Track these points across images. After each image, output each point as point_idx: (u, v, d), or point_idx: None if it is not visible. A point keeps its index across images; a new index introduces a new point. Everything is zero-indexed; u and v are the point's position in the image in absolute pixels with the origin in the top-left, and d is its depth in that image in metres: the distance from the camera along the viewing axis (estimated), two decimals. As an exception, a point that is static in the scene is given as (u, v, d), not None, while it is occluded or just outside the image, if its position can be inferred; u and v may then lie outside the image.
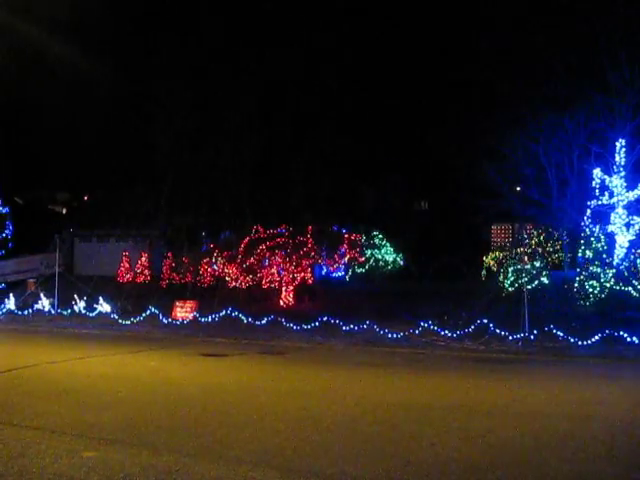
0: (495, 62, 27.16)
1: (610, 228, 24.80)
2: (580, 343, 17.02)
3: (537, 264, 25.83)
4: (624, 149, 25.04)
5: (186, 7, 34.13)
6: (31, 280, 30.38)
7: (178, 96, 33.70)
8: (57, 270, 26.88)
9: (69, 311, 24.89)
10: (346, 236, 32.92)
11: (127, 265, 35.84)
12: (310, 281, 29.67)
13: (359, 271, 35.08)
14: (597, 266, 22.88)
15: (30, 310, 25.34)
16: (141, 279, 34.85)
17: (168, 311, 23.66)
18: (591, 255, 23.13)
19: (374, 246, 37.12)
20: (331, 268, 32.08)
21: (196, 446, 7.56)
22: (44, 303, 25.54)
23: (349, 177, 40.84)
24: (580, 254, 23.67)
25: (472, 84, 33.36)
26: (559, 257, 28.84)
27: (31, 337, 20.12)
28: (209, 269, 30.86)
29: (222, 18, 34.06)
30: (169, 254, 33.55)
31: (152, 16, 37.22)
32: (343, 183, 39.64)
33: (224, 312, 22.75)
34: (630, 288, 22.46)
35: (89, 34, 34.84)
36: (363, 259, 34.79)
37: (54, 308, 25.22)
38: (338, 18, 44.87)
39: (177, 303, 23.90)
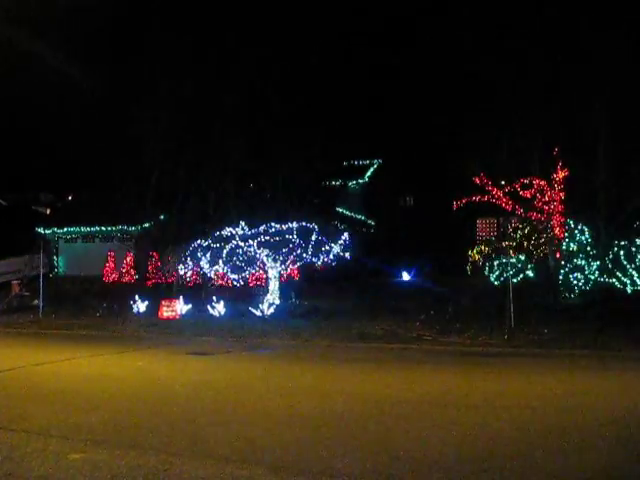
0: (475, 54, 27.26)
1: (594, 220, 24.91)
2: (566, 335, 17.10)
3: (522, 257, 25.92)
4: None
5: (172, 6, 33.99)
6: (15, 282, 30.20)
7: (163, 95, 33.57)
8: (41, 271, 26.73)
9: (54, 312, 24.78)
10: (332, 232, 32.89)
11: (112, 265, 35.72)
12: (296, 278, 29.68)
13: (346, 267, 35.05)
14: (581, 258, 23.02)
15: (15, 312, 25.21)
16: (127, 279, 34.72)
17: (154, 311, 23.60)
18: (575, 248, 23.27)
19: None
20: (318, 265, 32.07)
21: (183, 445, 7.53)
22: (29, 304, 25.43)
23: (333, 172, 40.88)
24: (565, 247, 23.79)
25: (457, 79, 33.45)
26: (544, 250, 28.91)
27: (16, 339, 20.01)
28: (195, 268, 30.77)
29: (209, 15, 33.94)
30: (154, 253, 33.45)
31: (137, 15, 36.98)
32: (327, 178, 39.67)
33: (211, 310, 22.72)
34: (614, 280, 22.61)
35: (72, 33, 34.57)
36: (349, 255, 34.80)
37: (39, 309, 25.08)
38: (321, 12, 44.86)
39: (163, 302, 23.86)
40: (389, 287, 28.57)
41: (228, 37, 33.15)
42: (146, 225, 37.34)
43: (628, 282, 22.38)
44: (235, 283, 29.31)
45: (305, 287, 28.30)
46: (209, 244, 26.77)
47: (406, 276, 34.60)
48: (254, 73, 33.66)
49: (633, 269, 22.40)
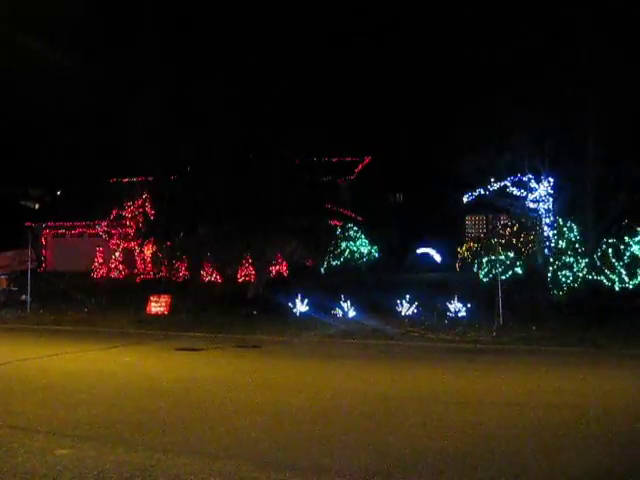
0: (467, 53, 27.32)
1: (583, 217, 24.97)
2: (554, 332, 17.16)
3: (511, 254, 25.99)
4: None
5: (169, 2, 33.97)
6: (3, 277, 30.01)
7: (152, 87, 33.41)
8: (30, 266, 26.58)
9: (42, 307, 24.66)
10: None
11: (101, 260, 35.57)
12: (285, 274, 29.64)
13: (334, 263, 35.04)
14: (570, 256, 23.09)
15: (2, 307, 25.07)
16: (115, 274, 34.60)
17: (143, 306, 23.53)
18: (564, 245, 23.33)
19: (349, 238, 37.09)
20: (306, 261, 32.04)
21: (171, 441, 7.51)
22: (17, 300, 25.29)
23: (322, 167, 40.75)
24: (553, 244, 23.85)
25: (445, 76, 33.48)
26: (533, 247, 28.99)
27: (4, 334, 19.90)
28: (184, 264, 30.65)
29: (203, 12, 33.89)
30: (143, 249, 33.31)
31: (129, 8, 36.89)
32: (317, 173, 39.54)
33: (199, 306, 22.68)
34: (602, 277, 22.70)
35: (63, 25, 34.37)
36: (338, 251, 34.77)
37: (27, 305, 24.95)
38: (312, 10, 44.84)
39: (152, 298, 23.77)
40: (378, 283, 28.53)
41: (225, 35, 33.10)
42: (135, 221, 37.19)
43: (616, 279, 22.47)
44: (223, 279, 29.27)
45: (294, 283, 28.23)
46: (198, 239, 26.73)
47: (396, 272, 34.59)
48: (249, 70, 33.55)
49: (621, 266, 22.48)
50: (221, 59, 32.49)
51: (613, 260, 22.62)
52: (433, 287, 24.52)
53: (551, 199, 25.41)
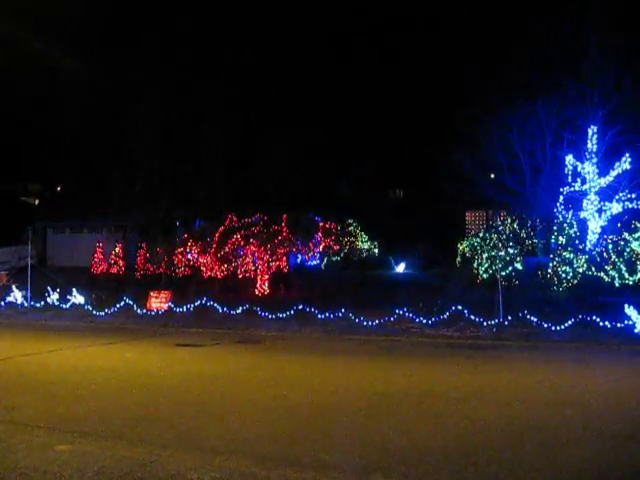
0: (466, 50, 27.33)
1: (582, 214, 24.98)
2: (554, 328, 17.17)
3: (511, 250, 25.96)
4: (596, 136, 25.19)
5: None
6: (3, 272, 30.02)
7: (152, 86, 33.39)
8: (30, 262, 26.58)
9: (42, 303, 24.66)
10: (321, 224, 33.00)
11: (101, 256, 35.52)
12: (285, 270, 29.62)
13: (334, 259, 35.02)
14: (570, 252, 23.06)
15: (2, 303, 25.08)
16: (115, 270, 34.57)
17: (143, 302, 23.53)
18: (564, 241, 23.31)
19: (349, 234, 37.05)
20: (306, 257, 32.07)
21: (171, 437, 7.51)
22: (17, 295, 25.27)
23: (323, 165, 40.73)
24: (553, 240, 23.84)
25: (444, 72, 33.47)
26: (532, 243, 28.98)
27: (4, 330, 19.91)
28: (184, 259, 30.64)
29: (202, 9, 33.83)
30: (143, 244, 33.27)
31: (129, 5, 36.80)
32: (317, 171, 39.53)
33: (199, 302, 22.67)
34: (602, 273, 22.67)
35: (63, 25, 34.28)
36: (338, 247, 34.73)
37: (27, 300, 24.97)
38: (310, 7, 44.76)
39: (152, 294, 23.77)
40: (378, 279, 28.51)
41: (225, 35, 33.10)
42: (135, 216, 37.20)
43: (616, 276, 22.44)
44: (223, 274, 29.25)
45: (295, 279, 28.24)
46: (198, 235, 26.73)
47: (395, 268, 34.58)
48: (246, 64, 33.58)
49: (621, 263, 22.46)
50: (221, 59, 32.45)
51: (613, 256, 22.59)
52: (432, 284, 24.51)
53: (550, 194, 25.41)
